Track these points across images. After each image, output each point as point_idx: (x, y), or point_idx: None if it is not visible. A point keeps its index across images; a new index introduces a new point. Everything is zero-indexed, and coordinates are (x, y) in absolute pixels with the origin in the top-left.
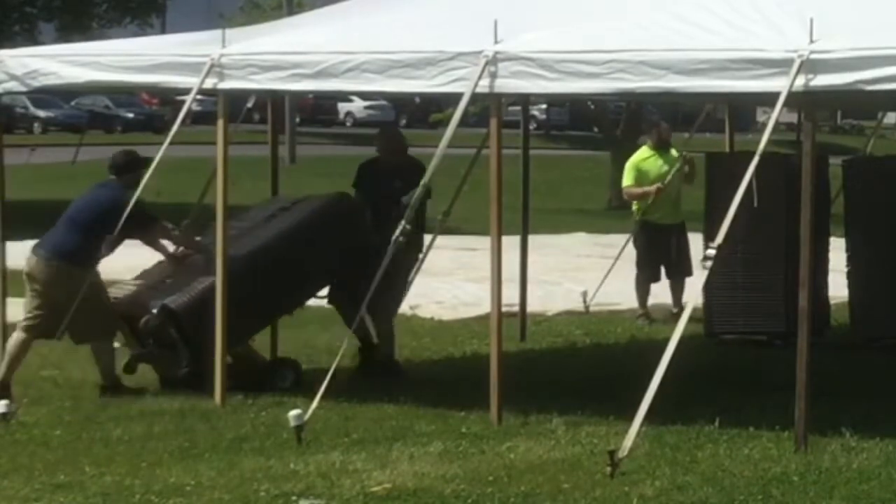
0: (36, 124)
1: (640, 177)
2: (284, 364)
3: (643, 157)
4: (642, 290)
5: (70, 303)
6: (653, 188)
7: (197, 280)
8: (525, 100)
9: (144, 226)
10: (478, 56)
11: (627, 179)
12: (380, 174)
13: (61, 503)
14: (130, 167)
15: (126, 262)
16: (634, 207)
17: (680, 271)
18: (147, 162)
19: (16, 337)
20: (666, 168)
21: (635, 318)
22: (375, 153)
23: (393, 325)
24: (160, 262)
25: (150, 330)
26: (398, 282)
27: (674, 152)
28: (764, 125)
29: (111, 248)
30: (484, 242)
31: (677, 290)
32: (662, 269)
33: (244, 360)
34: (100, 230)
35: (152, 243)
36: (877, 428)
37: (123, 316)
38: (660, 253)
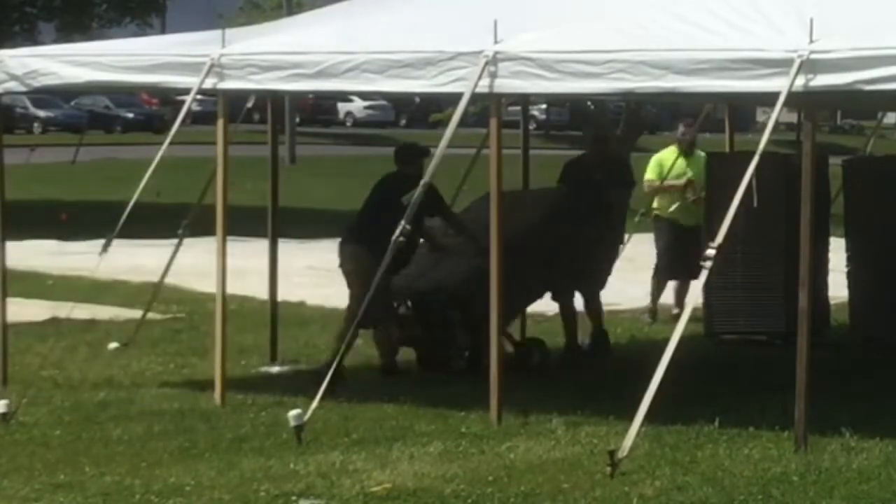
0: (36, 124)
1: (661, 174)
2: (532, 344)
3: (669, 155)
4: (658, 288)
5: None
6: (679, 182)
7: (471, 265)
8: (525, 100)
9: (435, 212)
10: (478, 56)
11: (651, 173)
12: (588, 170)
13: (61, 503)
14: (414, 157)
15: (130, 262)
16: (655, 205)
17: (688, 273)
18: (426, 151)
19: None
20: (686, 169)
21: (641, 314)
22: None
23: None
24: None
25: (430, 314)
26: (599, 269)
27: (700, 153)
28: (764, 125)
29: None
30: None
31: (682, 291)
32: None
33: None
34: (393, 218)
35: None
36: (877, 428)
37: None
38: (678, 251)
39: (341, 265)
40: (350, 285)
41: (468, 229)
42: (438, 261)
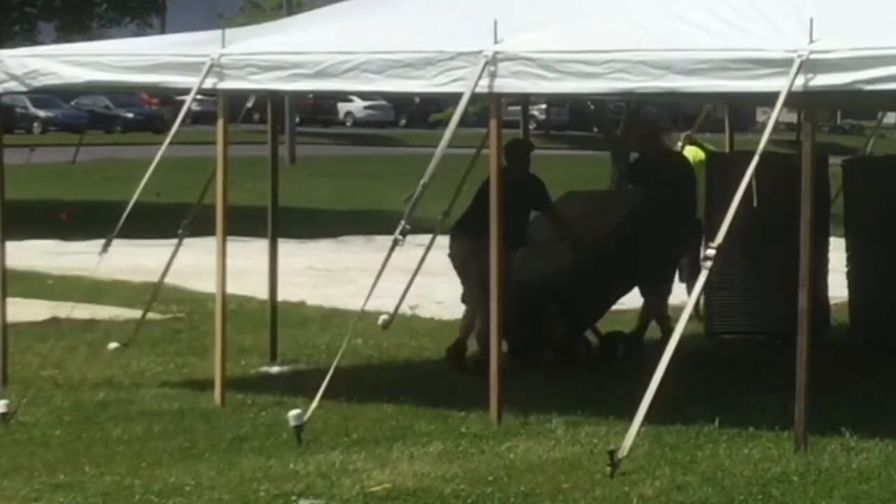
0: (36, 124)
1: None
2: (616, 337)
3: None
4: None
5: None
6: None
7: (570, 260)
8: (525, 100)
9: (543, 208)
10: (478, 56)
11: None
12: (648, 169)
13: (61, 503)
14: (523, 152)
15: (130, 262)
16: None
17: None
18: (532, 146)
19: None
20: None
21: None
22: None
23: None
24: None
25: (529, 306)
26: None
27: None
28: (764, 125)
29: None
30: None
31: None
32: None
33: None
34: (509, 210)
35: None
36: (877, 428)
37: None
38: None
39: (461, 261)
40: (471, 284)
41: (570, 225)
42: (535, 254)
